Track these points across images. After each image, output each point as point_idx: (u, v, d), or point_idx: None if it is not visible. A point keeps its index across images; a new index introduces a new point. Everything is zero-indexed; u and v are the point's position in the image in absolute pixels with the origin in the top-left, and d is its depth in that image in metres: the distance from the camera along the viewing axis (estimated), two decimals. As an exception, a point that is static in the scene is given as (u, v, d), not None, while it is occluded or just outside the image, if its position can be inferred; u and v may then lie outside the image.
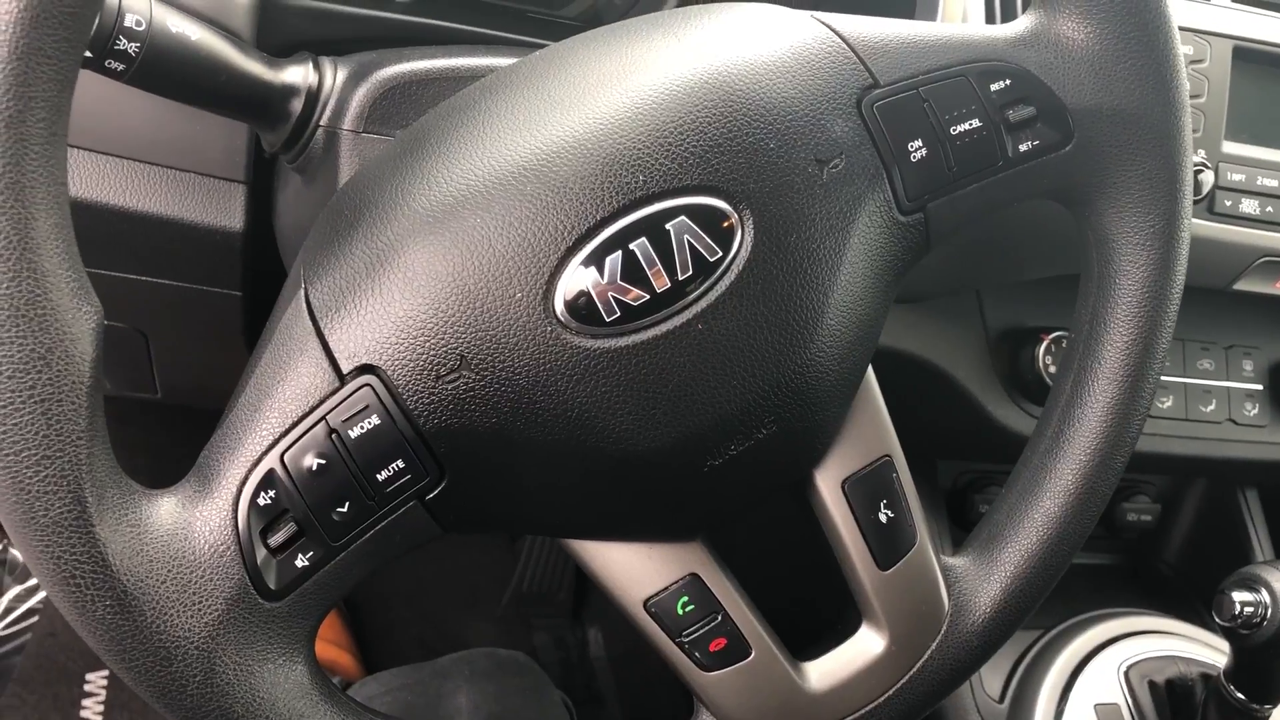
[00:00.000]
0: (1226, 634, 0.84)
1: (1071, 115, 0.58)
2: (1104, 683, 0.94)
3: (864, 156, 0.54)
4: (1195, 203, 0.84)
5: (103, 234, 0.74)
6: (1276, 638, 0.81)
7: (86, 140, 0.71)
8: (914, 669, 0.60)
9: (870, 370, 0.60)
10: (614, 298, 0.50)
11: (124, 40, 0.56)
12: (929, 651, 0.60)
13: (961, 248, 0.87)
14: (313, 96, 0.64)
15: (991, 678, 0.97)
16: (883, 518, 0.59)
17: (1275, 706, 0.87)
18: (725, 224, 0.51)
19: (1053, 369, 0.92)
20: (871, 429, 0.59)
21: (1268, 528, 1.14)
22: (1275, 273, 0.91)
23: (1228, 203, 0.86)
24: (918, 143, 0.55)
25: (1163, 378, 0.98)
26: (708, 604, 0.57)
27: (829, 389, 0.55)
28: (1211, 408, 1.00)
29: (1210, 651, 0.97)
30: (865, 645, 0.60)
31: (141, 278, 0.80)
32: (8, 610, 1.44)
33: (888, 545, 0.59)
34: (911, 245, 0.57)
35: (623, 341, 0.51)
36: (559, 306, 0.50)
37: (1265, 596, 0.82)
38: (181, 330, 0.86)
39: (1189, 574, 1.16)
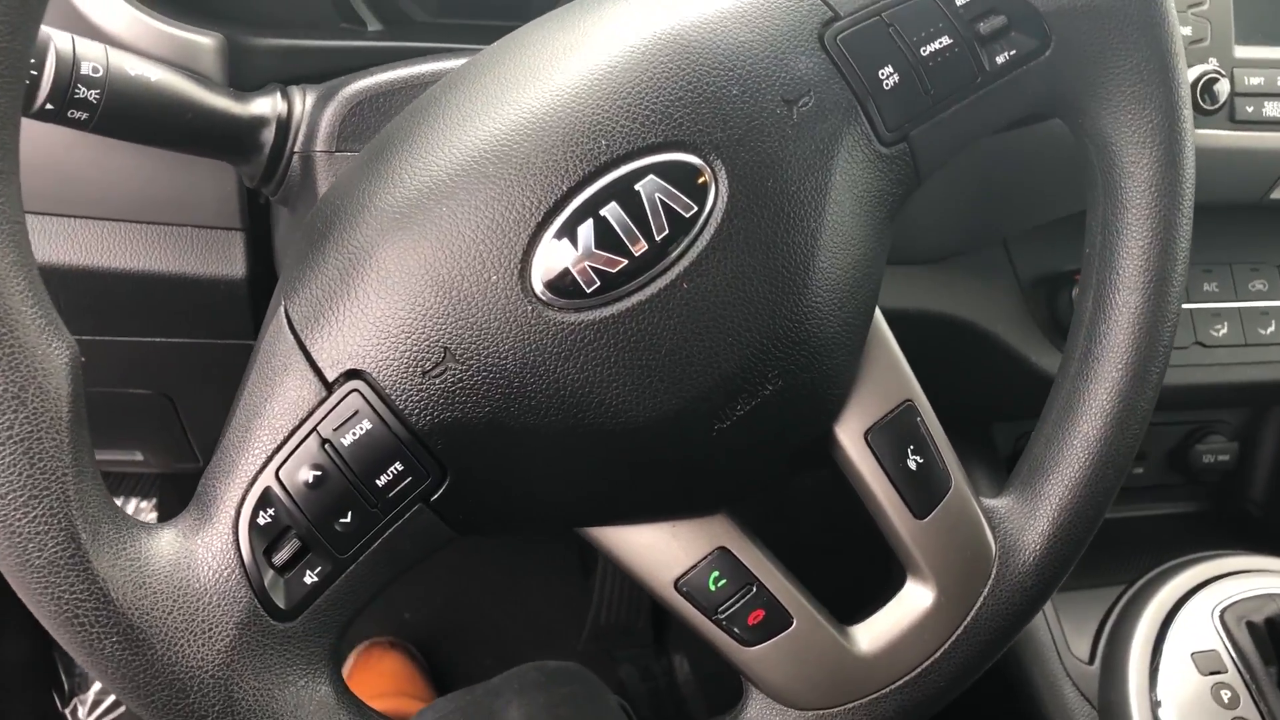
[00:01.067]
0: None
1: (1045, 19, 0.55)
2: (1199, 629, 0.89)
3: (834, 91, 0.53)
4: (1214, 113, 0.81)
5: (109, 299, 0.74)
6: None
7: (79, 208, 0.72)
8: (967, 619, 0.56)
9: (879, 314, 0.57)
10: (592, 268, 0.49)
11: (83, 89, 0.56)
12: (981, 599, 0.57)
13: (981, 194, 0.85)
14: (284, 124, 0.64)
15: (1078, 639, 0.92)
16: (912, 465, 0.56)
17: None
18: (698, 178, 0.50)
19: (1093, 309, 0.89)
20: (889, 375, 0.57)
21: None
22: (1314, 175, 0.87)
23: (1249, 109, 0.82)
24: (888, 70, 0.53)
25: (1215, 305, 0.94)
26: (740, 576, 0.55)
27: (833, 336, 0.53)
28: (1271, 329, 0.95)
29: (1311, 585, 0.92)
30: (913, 601, 0.57)
31: (155, 339, 0.80)
32: (96, 702, 1.45)
33: (921, 493, 0.56)
34: (900, 178, 0.55)
35: (608, 311, 0.49)
36: (537, 284, 0.48)
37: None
38: (204, 388, 0.86)
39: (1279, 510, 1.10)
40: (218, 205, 0.73)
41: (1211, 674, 0.86)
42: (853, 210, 0.53)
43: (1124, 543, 1.04)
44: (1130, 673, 0.87)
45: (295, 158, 0.64)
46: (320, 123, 0.64)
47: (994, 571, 0.57)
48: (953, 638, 0.56)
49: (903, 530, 0.56)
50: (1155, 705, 0.85)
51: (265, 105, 0.64)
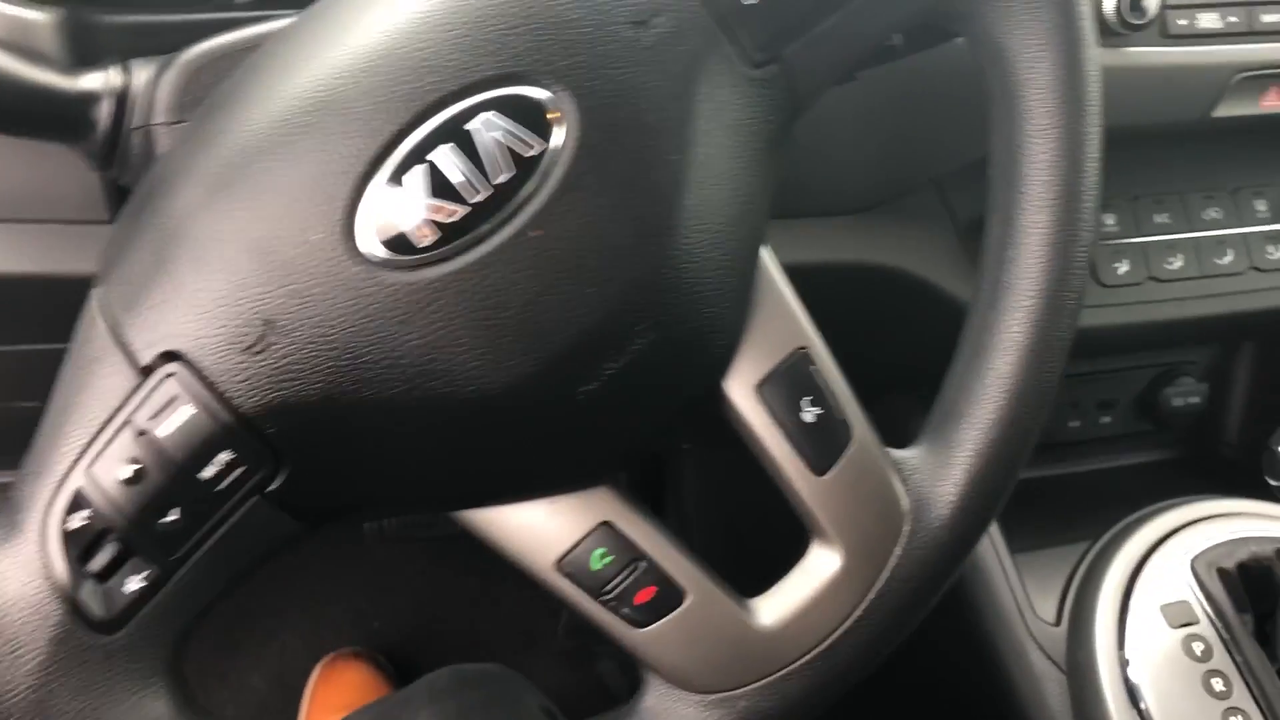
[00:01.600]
0: (1286, 494, 0.74)
1: None
2: (1169, 581, 0.84)
3: (690, 9, 0.48)
4: (1144, 28, 0.75)
5: (-19, 307, 0.70)
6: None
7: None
8: (879, 582, 0.51)
9: (768, 255, 0.52)
10: (426, 219, 0.44)
11: None
12: (894, 559, 0.52)
13: (902, 134, 0.80)
14: (121, 99, 0.59)
15: (1044, 601, 0.87)
16: (808, 416, 0.51)
17: (1361, 569, 0.77)
18: (543, 113, 0.45)
19: (1035, 249, 0.83)
20: (779, 321, 0.52)
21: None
22: (1257, 89, 0.81)
23: (1181, 21, 0.77)
24: None
25: (1168, 236, 0.89)
26: (627, 552, 0.50)
27: (710, 281, 0.48)
28: (1229, 259, 0.90)
29: (1287, 525, 0.87)
30: (819, 566, 0.52)
31: (37, 346, 0.75)
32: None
33: (820, 447, 0.51)
34: (776, 103, 0.50)
35: (447, 268, 0.44)
36: (365, 242, 0.44)
37: (1319, 443, 0.72)
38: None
39: (1256, 451, 1.04)
40: (81, 197, 0.69)
41: (1182, 626, 0.81)
42: (723, 141, 0.49)
43: (1093, 497, 0.99)
44: (1097, 631, 0.82)
45: (135, 133, 0.59)
46: (159, 93, 0.59)
47: (906, 528, 0.52)
48: (864, 604, 0.51)
49: (803, 489, 0.51)
50: (1124, 664, 0.80)
51: (97, 80, 0.59)
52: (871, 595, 0.51)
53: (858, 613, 0.51)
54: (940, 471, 0.53)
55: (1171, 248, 0.89)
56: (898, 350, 0.93)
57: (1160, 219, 0.89)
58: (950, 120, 0.78)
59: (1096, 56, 0.53)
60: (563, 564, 0.50)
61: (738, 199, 0.49)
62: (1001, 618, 0.86)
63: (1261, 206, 0.91)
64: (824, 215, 0.81)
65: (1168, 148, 0.90)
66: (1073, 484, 1.02)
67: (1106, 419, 1.04)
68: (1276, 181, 0.92)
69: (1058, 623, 0.86)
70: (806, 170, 0.79)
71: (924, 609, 0.53)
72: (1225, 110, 0.81)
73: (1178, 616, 0.82)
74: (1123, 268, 0.88)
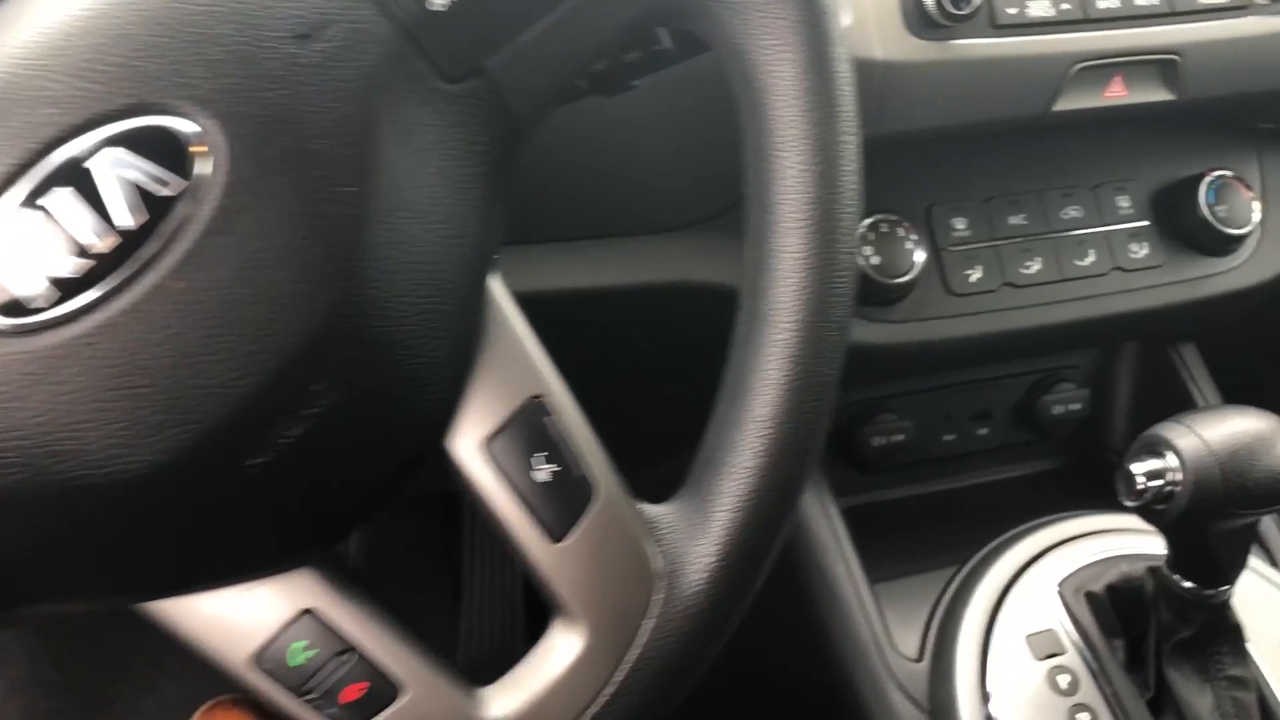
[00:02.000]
0: (1141, 515, 0.69)
1: None
2: (1036, 607, 0.78)
3: (366, 18, 0.41)
4: (969, 18, 0.70)
5: None
6: (1195, 507, 0.66)
7: None
8: (628, 662, 0.45)
9: (500, 290, 0.46)
10: (43, 276, 0.37)
11: None
12: (644, 634, 0.46)
13: (713, 145, 0.74)
14: None
15: (906, 634, 0.81)
16: (542, 475, 0.45)
17: (1230, 587, 0.72)
18: (180, 145, 0.38)
19: (875, 260, 0.78)
20: (511, 366, 0.46)
21: (1214, 383, 0.98)
22: (1100, 79, 0.76)
23: (1010, 10, 0.71)
24: None
25: (1025, 239, 0.83)
26: (333, 642, 0.44)
27: (409, 327, 0.42)
28: (1090, 259, 0.85)
29: (1160, 540, 0.81)
30: (559, 647, 0.45)
31: None
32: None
33: (556, 509, 0.45)
34: (486, 121, 0.44)
35: (70, 331, 0.38)
36: None
37: (1171, 460, 0.67)
38: None
39: (1140, 458, 1.00)
40: None
41: (1048, 657, 0.76)
42: (417, 167, 0.42)
43: (967, 515, 0.94)
44: (958, 666, 0.76)
45: None
46: None
47: (659, 597, 0.46)
48: (610, 688, 0.45)
49: (539, 558, 0.45)
50: (985, 699, 0.74)
51: None
52: (619, 678, 0.45)
53: (602, 699, 0.45)
54: (697, 529, 0.47)
55: (1028, 250, 0.84)
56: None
57: (1016, 220, 0.84)
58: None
59: (846, 55, 0.47)
60: (261, 659, 0.43)
61: (443, 231, 0.43)
62: (860, 655, 0.80)
63: (1124, 203, 0.86)
64: (649, 233, 0.75)
65: (1022, 144, 0.85)
66: (946, 502, 0.96)
67: (983, 431, 0.98)
68: (1140, 176, 0.87)
69: (920, 658, 0.80)
70: (623, 185, 0.73)
71: (681, 689, 0.47)
72: (1067, 104, 0.76)
73: (1043, 647, 0.77)
74: (975, 274, 0.82)
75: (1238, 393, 1.78)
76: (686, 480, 0.49)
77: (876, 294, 0.79)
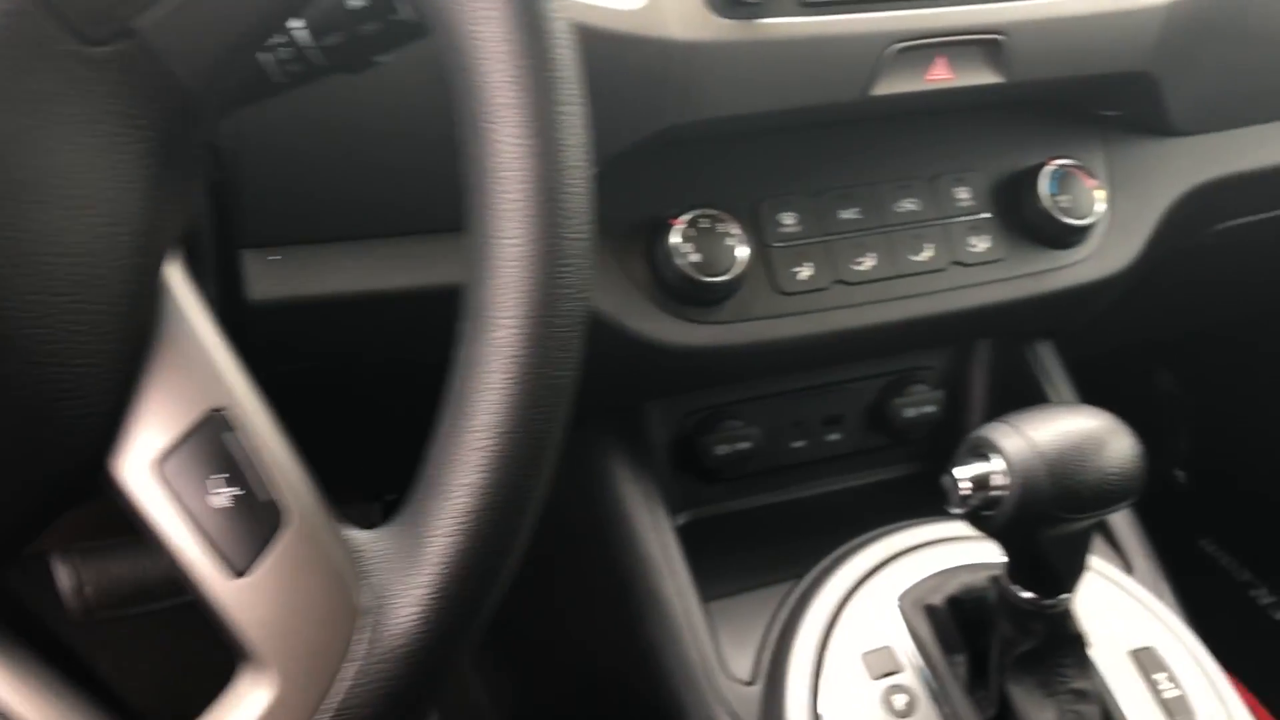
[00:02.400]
0: (970, 522, 0.64)
1: None
2: (872, 623, 0.74)
3: None
4: (773, -4, 0.65)
5: None
6: (1023, 513, 0.62)
7: None
8: (325, 715, 0.39)
9: (182, 286, 0.40)
10: None
11: None
12: (344, 682, 0.39)
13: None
14: None
15: (739, 655, 0.76)
16: (221, 500, 0.39)
17: (1070, 595, 0.68)
18: None
19: (695, 258, 0.73)
20: (188, 377, 0.40)
21: (1071, 380, 0.95)
22: (922, 61, 0.72)
23: (818, -13, 0.67)
24: None
25: (857, 234, 0.79)
26: None
27: (52, 329, 0.36)
28: (928, 254, 0.81)
29: (1005, 548, 0.77)
30: (244, 700, 0.39)
31: None
32: None
33: (239, 538, 0.39)
34: (147, 92, 0.38)
35: None
36: None
37: (997, 463, 0.62)
38: None
39: (997, 461, 0.96)
40: None
41: (884, 676, 0.71)
42: (53, 145, 0.36)
43: (818, 525, 0.89)
44: (789, 689, 0.71)
45: None
46: None
47: (363, 638, 0.40)
48: None
49: (219, 595, 0.39)
50: (817, 725, 0.69)
51: None
52: None
53: None
54: (409, 559, 0.41)
55: (861, 246, 0.79)
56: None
57: (848, 215, 0.79)
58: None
59: (562, 14, 0.41)
60: None
61: (91, 217, 0.37)
62: (689, 680, 0.75)
63: (964, 194, 0.82)
64: (438, 231, 0.69)
65: (856, 134, 0.80)
66: (796, 511, 0.91)
67: (835, 436, 0.94)
68: (980, 166, 0.84)
69: (753, 680, 0.75)
70: (401, 178, 0.66)
71: None
72: (888, 87, 0.72)
73: (880, 665, 0.72)
74: (805, 272, 0.78)
75: (1113, 392, 1.77)
76: (403, 503, 0.43)
77: (698, 294, 0.74)
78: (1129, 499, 0.63)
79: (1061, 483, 0.61)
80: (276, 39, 0.49)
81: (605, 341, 0.75)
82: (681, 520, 0.89)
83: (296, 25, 0.49)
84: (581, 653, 0.86)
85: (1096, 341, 1.31)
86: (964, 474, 0.62)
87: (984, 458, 0.63)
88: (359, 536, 0.41)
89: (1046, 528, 0.63)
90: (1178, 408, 1.87)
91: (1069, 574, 0.67)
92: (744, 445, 0.88)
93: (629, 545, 0.80)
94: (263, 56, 0.50)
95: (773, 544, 0.87)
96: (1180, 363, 1.82)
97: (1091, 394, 1.76)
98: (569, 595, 0.94)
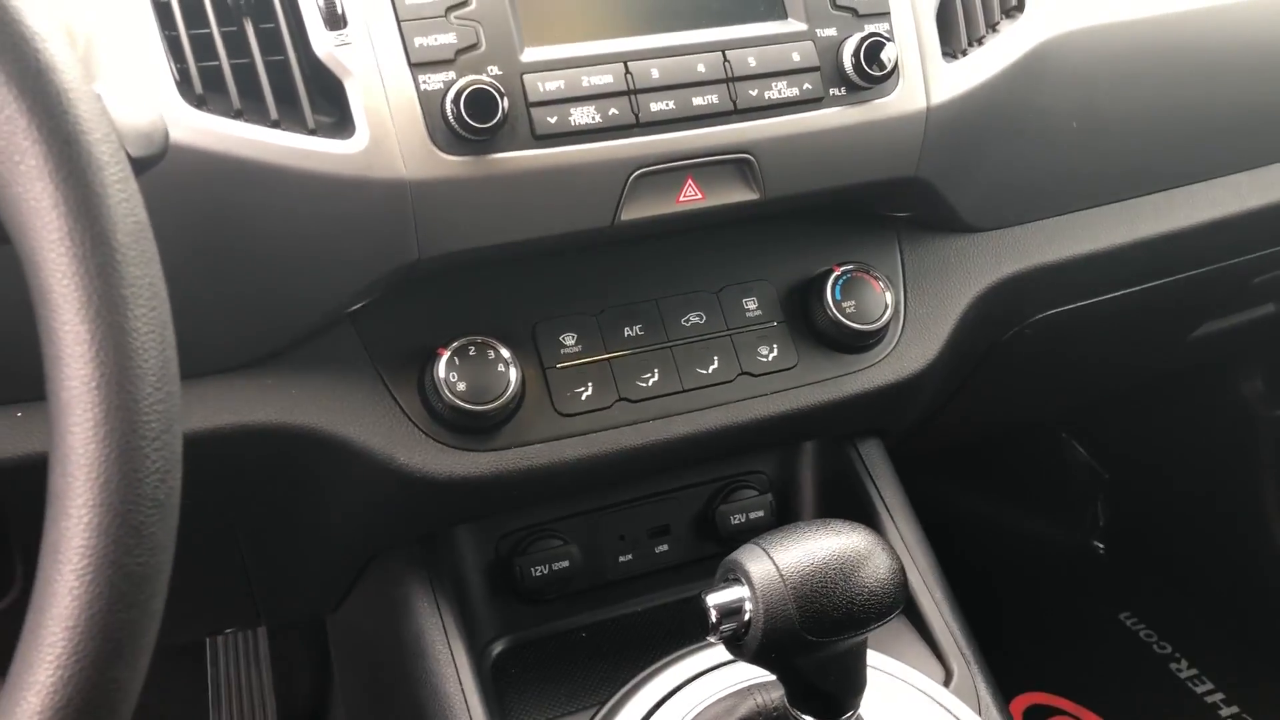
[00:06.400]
0: (727, 648, 0.63)
1: None
2: (666, 751, 0.72)
3: None
4: (499, 130, 0.65)
5: None
6: (770, 639, 0.60)
7: None
8: None
9: None
10: None
11: None
12: None
13: (263, 266, 0.68)
14: None
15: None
16: None
17: (854, 713, 0.66)
18: None
19: (461, 387, 0.72)
20: None
21: (898, 477, 0.94)
22: (670, 184, 0.72)
23: (552, 119, 0.67)
24: None
25: (640, 350, 0.79)
26: None
27: None
28: (715, 366, 0.81)
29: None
30: None
31: None
32: None
33: None
34: None
35: None
36: None
37: (743, 590, 0.61)
38: None
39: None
40: None
41: (676, 803, 0.70)
42: None
43: (640, 642, 0.88)
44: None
45: None
46: None
47: None
48: None
49: None
50: None
51: None
52: None
53: None
54: None
55: (646, 362, 0.79)
56: (332, 520, 0.81)
57: (632, 331, 0.79)
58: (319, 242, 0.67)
59: (122, 193, 0.41)
60: None
61: None
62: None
63: (751, 305, 0.83)
64: (199, 375, 0.69)
65: (640, 250, 0.81)
66: (621, 629, 0.90)
67: (663, 548, 0.93)
68: (769, 275, 0.84)
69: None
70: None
71: None
72: (637, 212, 0.72)
73: (663, 802, 0.70)
74: (586, 392, 0.77)
75: (1033, 466, 1.76)
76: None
77: (470, 423, 0.74)
78: (884, 619, 0.62)
79: (808, 607, 0.60)
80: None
81: (377, 477, 0.74)
82: (500, 646, 0.87)
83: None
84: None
85: (962, 429, 1.31)
86: (715, 600, 0.61)
87: (735, 582, 0.62)
88: None
89: (799, 653, 0.62)
90: (1093, 479, 1.86)
91: (844, 694, 0.66)
92: (562, 564, 0.87)
93: (427, 683, 0.78)
94: None
95: (589, 667, 0.85)
96: (1089, 435, 1.82)
97: (1011, 467, 1.75)
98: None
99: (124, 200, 0.40)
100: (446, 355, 0.73)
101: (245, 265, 0.67)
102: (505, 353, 0.73)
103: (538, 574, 0.87)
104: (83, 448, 0.39)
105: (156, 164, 0.48)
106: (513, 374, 0.73)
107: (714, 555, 0.94)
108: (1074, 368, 1.21)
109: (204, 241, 0.64)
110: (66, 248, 0.39)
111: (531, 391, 0.76)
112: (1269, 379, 1.52)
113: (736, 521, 0.92)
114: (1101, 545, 1.88)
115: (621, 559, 0.92)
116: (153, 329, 0.41)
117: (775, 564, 0.63)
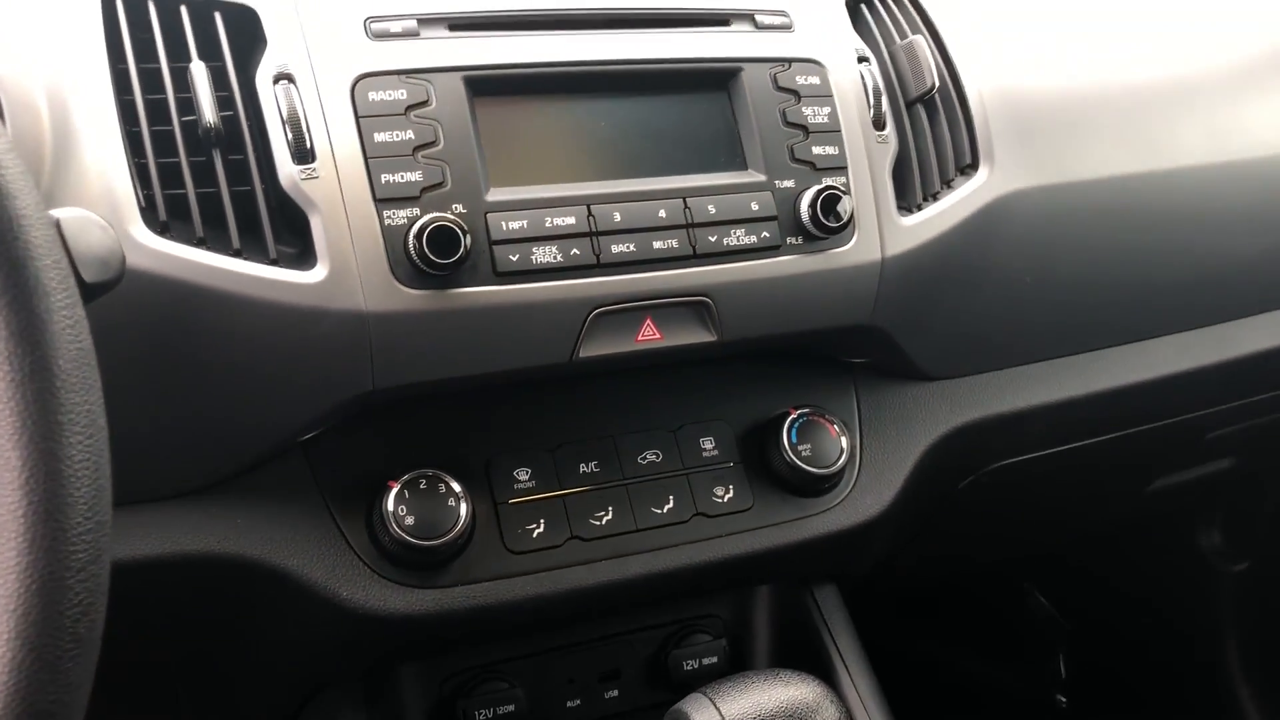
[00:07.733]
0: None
1: None
2: None
3: None
4: (460, 266, 0.66)
5: None
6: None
7: None
8: None
9: None
10: None
11: None
12: None
13: (206, 400, 0.67)
14: None
15: None
16: None
17: None
18: None
19: (409, 521, 0.71)
20: None
21: (853, 625, 0.93)
22: (629, 324, 0.73)
23: (514, 257, 0.68)
24: None
25: (595, 488, 0.78)
26: None
27: None
28: (669, 506, 0.80)
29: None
30: None
31: None
32: None
33: None
34: None
35: None
36: None
37: (690, 743, 0.60)
38: None
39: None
40: None
41: None
42: None
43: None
44: None
45: None
46: None
47: None
48: None
49: None
50: None
51: None
52: None
53: None
54: None
55: (600, 500, 0.78)
56: (270, 658, 0.79)
57: (587, 468, 0.79)
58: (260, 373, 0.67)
59: (68, 305, 0.41)
60: None
61: None
62: None
63: (708, 444, 0.83)
64: (160, 499, 0.68)
65: (598, 387, 0.81)
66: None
67: (612, 693, 0.90)
68: (727, 415, 0.84)
69: None
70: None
71: None
72: (596, 349, 0.72)
73: None
74: (538, 529, 0.76)
75: (995, 616, 1.73)
76: None
77: (417, 558, 0.72)
78: None
79: (753, 761, 0.59)
80: None
81: (318, 611, 0.72)
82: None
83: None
84: None
85: (921, 573, 1.30)
86: (661, 756, 0.59)
87: (683, 734, 0.60)
88: None
89: (743, 806, 0.60)
90: (1055, 630, 1.84)
91: None
92: (507, 708, 0.85)
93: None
94: None
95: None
96: (1051, 584, 1.81)
97: (971, 616, 1.73)
98: None
99: (68, 327, 0.40)
100: (396, 488, 0.72)
101: (199, 391, 0.66)
102: (456, 487, 0.73)
103: (482, 718, 0.84)
104: (3, 578, 0.38)
105: (111, 289, 0.48)
106: (463, 509, 0.72)
107: (664, 702, 0.92)
108: (1031, 517, 1.21)
109: (158, 366, 0.64)
110: (4, 372, 0.39)
111: (482, 527, 0.75)
112: (1228, 533, 1.52)
113: (689, 667, 0.90)
114: (1064, 699, 1.85)
115: (570, 704, 0.89)
116: (87, 456, 0.40)
117: (721, 716, 0.62)
